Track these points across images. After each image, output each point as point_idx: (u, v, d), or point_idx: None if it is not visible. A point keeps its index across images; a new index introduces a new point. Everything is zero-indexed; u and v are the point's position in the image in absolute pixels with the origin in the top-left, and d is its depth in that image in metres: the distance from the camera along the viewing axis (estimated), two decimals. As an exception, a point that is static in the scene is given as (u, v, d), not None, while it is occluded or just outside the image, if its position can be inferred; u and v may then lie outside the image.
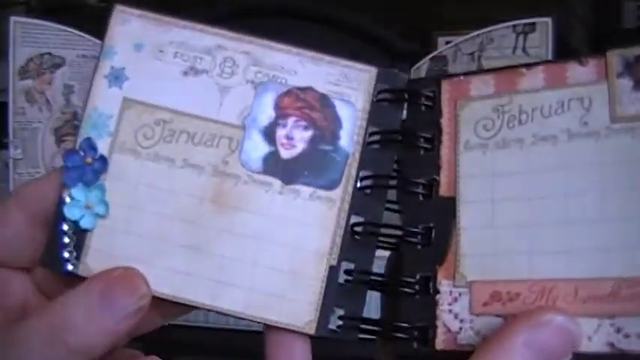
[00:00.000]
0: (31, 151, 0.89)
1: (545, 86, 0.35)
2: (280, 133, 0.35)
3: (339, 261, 0.35)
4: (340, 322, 0.35)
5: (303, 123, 0.35)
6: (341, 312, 0.35)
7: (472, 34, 0.86)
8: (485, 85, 0.36)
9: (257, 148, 0.35)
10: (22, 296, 0.36)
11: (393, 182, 0.36)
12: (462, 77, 0.36)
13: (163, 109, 0.35)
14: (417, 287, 0.34)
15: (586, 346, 0.30)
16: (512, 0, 1.00)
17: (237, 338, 0.84)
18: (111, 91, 0.35)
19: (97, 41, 0.94)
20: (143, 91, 0.35)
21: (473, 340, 0.32)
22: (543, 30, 0.83)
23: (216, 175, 0.35)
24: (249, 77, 0.36)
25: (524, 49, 0.84)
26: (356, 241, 0.35)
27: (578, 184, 0.33)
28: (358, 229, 0.35)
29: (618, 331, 0.30)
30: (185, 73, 0.36)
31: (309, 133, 0.36)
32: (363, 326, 0.35)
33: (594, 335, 0.30)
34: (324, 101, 0.36)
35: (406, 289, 0.35)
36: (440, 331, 0.33)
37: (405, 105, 0.37)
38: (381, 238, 0.36)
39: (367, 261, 0.35)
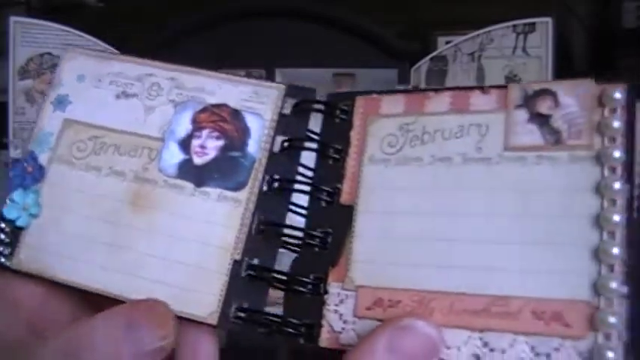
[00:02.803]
0: (31, 151, 0.89)
1: (450, 110, 0.37)
2: (195, 143, 0.39)
3: (243, 256, 0.37)
4: (242, 315, 0.37)
5: (216, 134, 0.40)
6: (243, 305, 0.37)
7: (472, 34, 0.86)
8: (396, 104, 0.38)
9: (173, 156, 0.39)
10: (34, 310, 0.37)
11: (304, 187, 0.39)
12: (375, 95, 0.39)
13: (96, 127, 0.41)
14: (309, 287, 0.36)
15: (455, 356, 0.32)
16: (512, 0, 1.00)
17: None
18: (55, 114, 0.41)
19: (97, 41, 0.95)
20: (81, 113, 0.41)
21: (353, 341, 0.34)
22: (543, 30, 0.83)
23: (137, 181, 0.39)
24: (171, 98, 0.41)
25: (524, 49, 0.84)
26: (260, 239, 0.38)
27: (466, 206, 0.35)
28: (263, 227, 0.38)
29: (485, 345, 0.32)
30: (117, 97, 0.41)
31: (220, 142, 0.39)
32: (262, 320, 0.37)
33: (463, 347, 0.32)
34: (236, 115, 0.40)
35: (299, 288, 0.36)
36: (324, 329, 0.35)
37: (322, 116, 0.40)
38: (288, 240, 0.38)
39: (270, 258, 0.38)
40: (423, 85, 0.88)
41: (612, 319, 0.30)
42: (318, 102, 0.39)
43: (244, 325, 0.36)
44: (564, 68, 0.92)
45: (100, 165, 0.40)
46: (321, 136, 0.40)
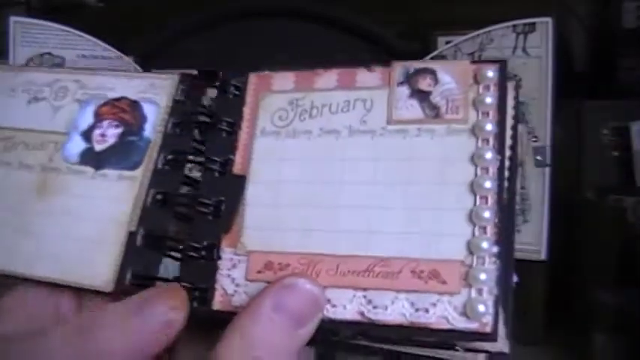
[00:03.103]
0: (31, 151, 0.89)
1: (337, 87, 0.40)
2: (96, 132, 0.43)
3: (138, 227, 0.40)
4: (136, 282, 0.39)
5: (115, 123, 0.43)
6: (138, 272, 0.39)
7: (472, 34, 0.86)
8: (286, 81, 0.41)
9: (76, 145, 0.43)
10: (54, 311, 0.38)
11: (198, 159, 0.42)
12: (267, 72, 0.42)
13: (9, 129, 0.45)
14: (202, 253, 0.38)
15: (341, 314, 0.34)
16: (512, 0, 1.00)
17: None
18: None
19: (97, 41, 0.95)
20: None
21: (245, 303, 0.36)
22: (543, 30, 0.83)
23: (43, 171, 0.43)
24: (77, 97, 0.45)
25: (524, 49, 0.84)
26: (155, 210, 0.41)
27: (352, 174, 0.37)
28: (158, 198, 0.41)
29: (369, 302, 0.34)
30: (29, 102, 0.45)
31: (119, 130, 0.43)
32: (155, 284, 0.39)
33: (349, 304, 0.35)
34: (134, 105, 0.44)
35: (192, 254, 0.39)
36: (217, 293, 0.37)
37: (215, 92, 0.43)
38: (182, 210, 0.41)
39: (164, 227, 0.40)
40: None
41: (483, 276, 0.33)
42: (211, 77, 0.43)
43: (139, 290, 0.38)
44: (564, 68, 0.92)
45: (11, 161, 0.44)
46: (215, 110, 0.42)
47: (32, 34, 0.97)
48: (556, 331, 1.05)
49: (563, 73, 0.93)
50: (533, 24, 0.90)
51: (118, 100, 0.44)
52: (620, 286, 0.96)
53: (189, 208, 0.40)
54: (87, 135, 0.43)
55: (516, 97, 0.37)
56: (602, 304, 0.97)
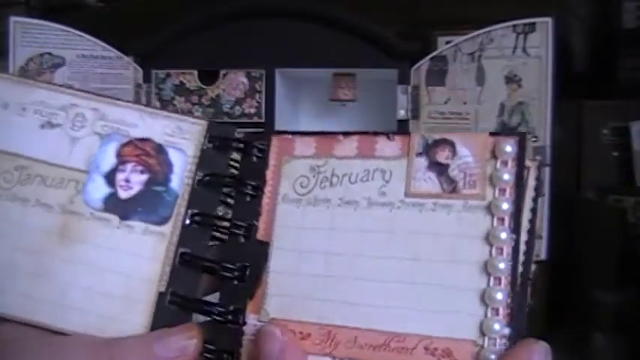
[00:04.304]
0: (31, 151, 0.89)
1: (357, 155, 0.39)
2: (120, 177, 0.41)
3: (168, 287, 0.39)
4: None
5: (140, 168, 0.41)
6: None
7: (472, 34, 0.86)
8: (308, 145, 0.41)
9: (99, 189, 0.41)
10: None
11: (224, 223, 0.41)
12: (289, 136, 0.41)
13: (22, 157, 0.41)
14: (229, 317, 0.39)
15: None
16: (512, 0, 1.00)
17: None
18: None
19: (97, 41, 0.95)
20: (6, 142, 0.42)
21: None
22: (543, 30, 0.83)
23: (64, 213, 0.40)
24: (96, 129, 0.42)
25: (524, 49, 0.84)
26: (183, 270, 0.40)
27: (369, 247, 0.37)
28: (186, 259, 0.40)
29: None
30: (42, 127, 0.42)
31: (144, 177, 0.41)
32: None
33: None
34: (160, 149, 0.42)
35: (219, 318, 0.39)
36: (243, 357, 0.38)
37: (240, 154, 0.42)
38: (207, 271, 0.41)
39: (192, 289, 0.40)
40: (423, 85, 0.88)
41: (494, 357, 0.33)
42: (236, 140, 0.42)
43: None
44: (564, 68, 0.92)
45: (27, 196, 0.41)
46: (239, 173, 0.42)
47: (32, 34, 0.97)
48: (556, 331, 1.05)
49: (563, 73, 0.93)
50: (533, 24, 0.90)
51: (141, 141, 0.42)
52: (620, 286, 0.96)
53: (216, 271, 0.40)
54: (110, 178, 0.41)
55: (538, 177, 0.36)
56: (602, 304, 0.97)
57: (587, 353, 0.94)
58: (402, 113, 0.90)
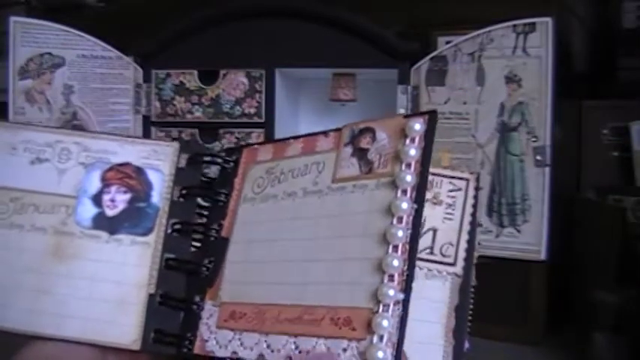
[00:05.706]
0: (31, 151, 0.89)
1: (301, 153, 0.44)
2: (106, 198, 0.47)
3: (157, 289, 0.45)
4: (158, 338, 0.44)
5: (123, 189, 0.47)
6: (159, 329, 0.44)
7: (472, 34, 0.86)
8: (267, 152, 0.46)
9: (88, 210, 0.46)
10: None
11: (199, 228, 0.46)
12: (256, 146, 0.47)
13: (16, 190, 0.46)
14: (194, 307, 0.43)
15: (275, 358, 0.38)
16: (512, 0, 1.00)
17: None
18: None
19: (97, 41, 0.95)
20: (1, 178, 0.47)
21: (214, 347, 0.41)
22: (543, 30, 0.83)
23: (57, 234, 0.45)
24: (80, 160, 0.47)
25: (524, 49, 0.84)
26: (169, 273, 0.45)
27: (300, 232, 0.40)
28: (170, 263, 0.45)
29: (296, 347, 0.37)
30: (32, 162, 0.47)
31: (127, 196, 0.47)
32: (172, 340, 0.43)
33: (282, 349, 0.37)
34: (139, 171, 0.47)
35: (192, 307, 0.44)
36: (198, 339, 0.42)
37: (218, 166, 0.48)
38: (189, 271, 0.45)
39: (178, 289, 0.45)
40: (423, 85, 0.88)
41: (385, 323, 0.34)
42: (207, 155, 0.48)
43: (161, 346, 0.43)
44: (564, 68, 0.92)
45: (22, 223, 0.45)
46: (216, 183, 0.47)
47: (32, 34, 0.97)
48: (556, 331, 1.05)
49: (563, 73, 0.93)
50: (533, 24, 0.90)
51: (122, 165, 0.47)
52: (620, 286, 0.96)
53: (198, 271, 0.45)
54: (96, 199, 0.46)
55: (477, 188, 0.40)
56: (602, 304, 0.97)
57: (587, 353, 0.94)
58: (401, 113, 0.90)
